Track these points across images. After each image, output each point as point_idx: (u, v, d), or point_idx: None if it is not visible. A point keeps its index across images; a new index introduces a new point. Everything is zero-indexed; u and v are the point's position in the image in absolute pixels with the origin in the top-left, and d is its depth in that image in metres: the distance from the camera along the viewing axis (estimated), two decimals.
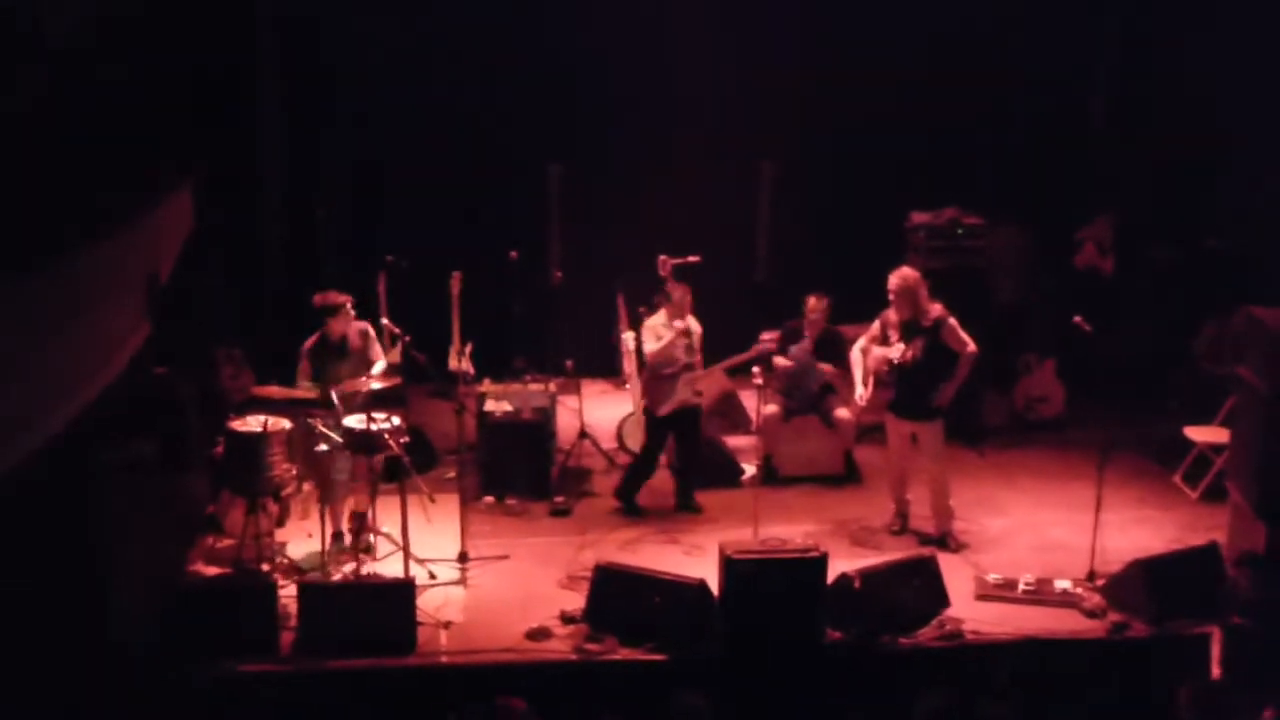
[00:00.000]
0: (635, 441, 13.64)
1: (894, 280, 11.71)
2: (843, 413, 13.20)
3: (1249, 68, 14.41)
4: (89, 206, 7.59)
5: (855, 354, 12.13)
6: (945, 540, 11.97)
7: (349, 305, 11.88)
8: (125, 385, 10.60)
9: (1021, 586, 11.06)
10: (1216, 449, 12.74)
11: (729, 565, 10.21)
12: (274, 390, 11.98)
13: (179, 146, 9.75)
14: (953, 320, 11.71)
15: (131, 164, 8.82)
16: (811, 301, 13.17)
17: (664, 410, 12.43)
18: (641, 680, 10.00)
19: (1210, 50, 14.98)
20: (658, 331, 12.49)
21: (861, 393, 11.98)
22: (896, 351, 11.65)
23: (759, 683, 9.90)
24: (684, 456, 12.78)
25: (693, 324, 12.53)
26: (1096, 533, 11.28)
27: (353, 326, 11.92)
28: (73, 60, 8.34)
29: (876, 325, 11.98)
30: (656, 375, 12.45)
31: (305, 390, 11.77)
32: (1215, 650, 9.92)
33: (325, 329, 11.79)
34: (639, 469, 12.83)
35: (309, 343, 11.91)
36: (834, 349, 13.23)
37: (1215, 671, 9.51)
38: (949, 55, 15.62)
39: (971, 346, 11.68)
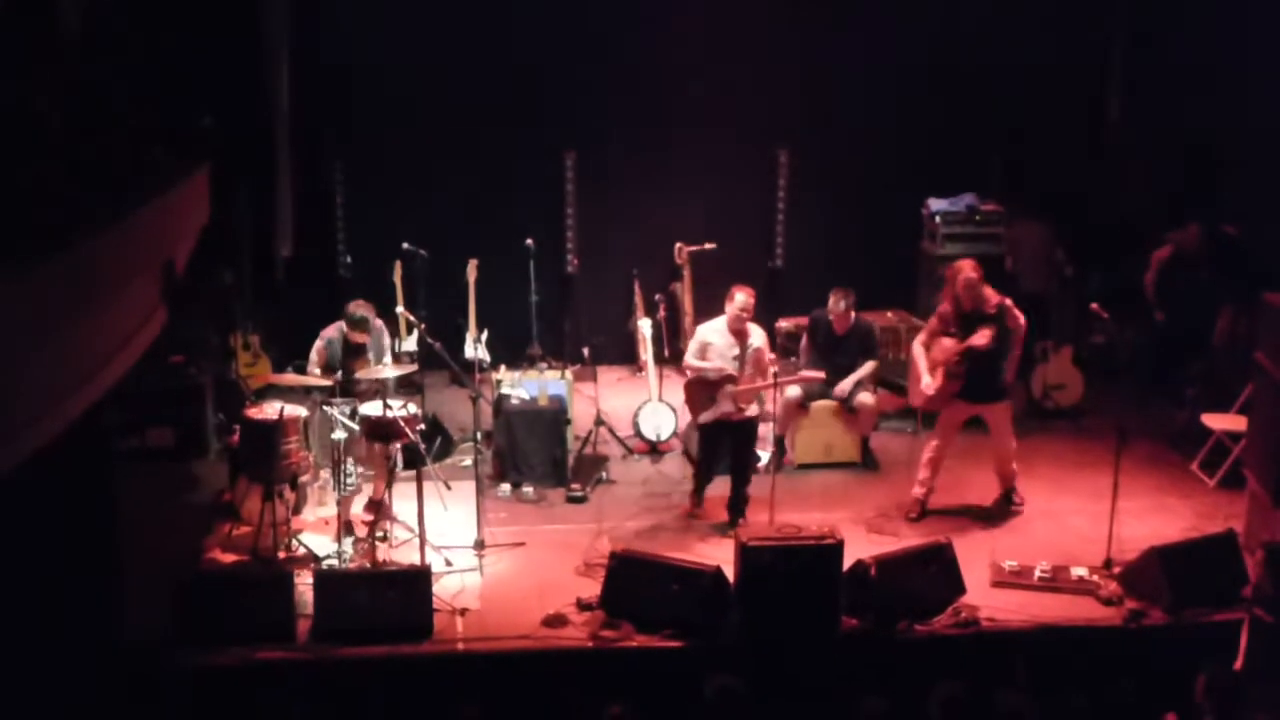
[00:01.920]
0: (651, 429, 13.64)
1: (961, 276, 11.91)
2: (866, 398, 13.19)
3: (1262, 54, 14.35)
4: (100, 196, 7.60)
5: (917, 349, 12.17)
6: (1011, 496, 12.44)
7: (375, 319, 12.06)
8: (142, 374, 10.62)
9: (1038, 574, 11.03)
10: (1234, 436, 12.70)
11: (745, 552, 10.20)
12: (290, 378, 12.06)
13: (192, 136, 9.75)
14: (1009, 300, 12.02)
15: (143, 153, 8.82)
16: (832, 301, 13.10)
17: (702, 419, 12.03)
18: (658, 667, 10.03)
19: (1224, 37, 14.95)
20: (705, 338, 11.98)
21: (929, 382, 11.97)
22: (984, 338, 11.72)
23: (775, 670, 9.89)
24: (734, 468, 12.24)
25: (754, 335, 11.93)
26: (1113, 520, 11.26)
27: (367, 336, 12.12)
28: (84, 49, 8.36)
29: (935, 321, 12.13)
30: (695, 381, 12.03)
31: (319, 378, 11.84)
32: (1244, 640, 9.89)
33: (347, 332, 11.97)
34: (697, 475, 12.43)
35: (328, 331, 12.06)
36: (867, 342, 13.24)
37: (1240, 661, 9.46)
38: (967, 43, 15.61)
39: (1023, 320, 12.01)
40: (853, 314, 13.14)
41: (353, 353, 12.10)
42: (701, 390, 11.97)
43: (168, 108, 9.52)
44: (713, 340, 11.92)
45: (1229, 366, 13.26)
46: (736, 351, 11.83)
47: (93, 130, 8.23)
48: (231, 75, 13.43)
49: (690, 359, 12.04)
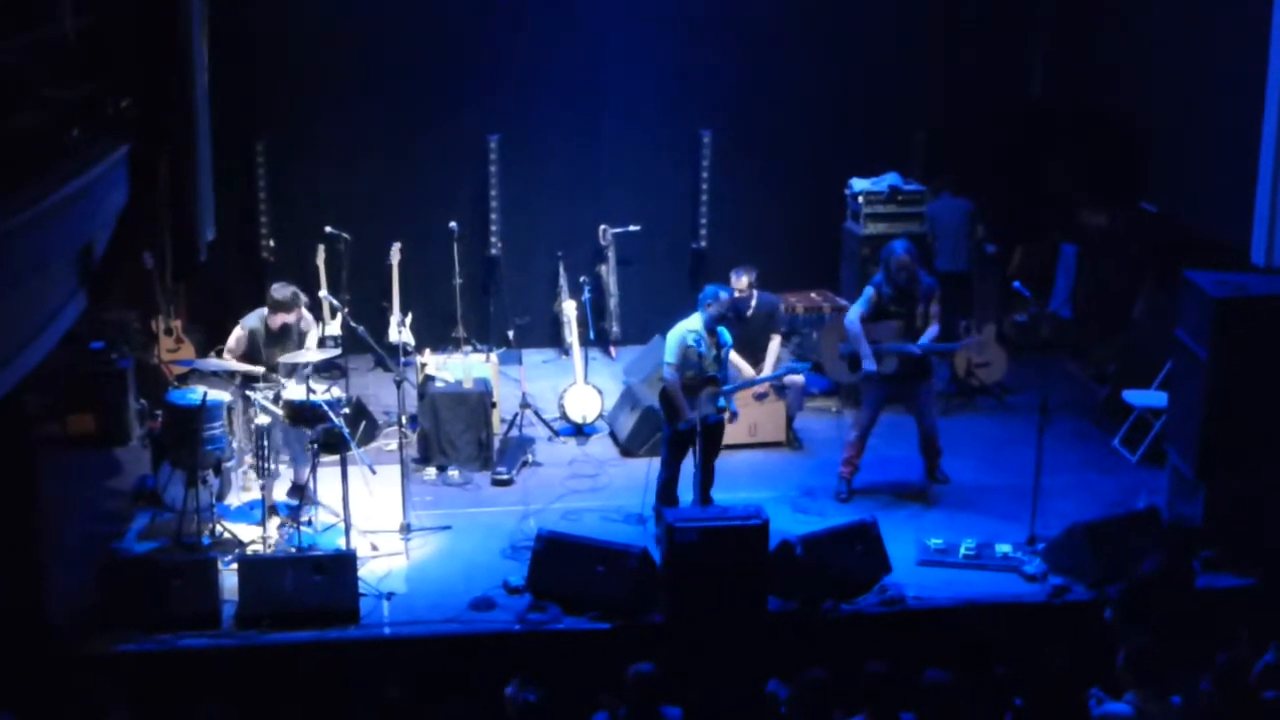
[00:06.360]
0: (577, 411, 13.61)
1: (907, 253, 11.90)
2: (794, 376, 13.14)
3: (1182, 35, 14.44)
4: (17, 177, 7.53)
5: (855, 327, 12.08)
6: (935, 473, 12.48)
7: (300, 301, 11.96)
8: (62, 360, 10.50)
9: (963, 551, 11.12)
10: (1155, 413, 12.81)
11: (671, 534, 10.20)
12: (213, 362, 11.94)
13: (111, 117, 9.65)
14: (934, 281, 12.26)
15: (62, 134, 8.73)
16: (735, 280, 12.92)
17: (682, 426, 11.34)
18: (585, 649, 10.03)
19: (1145, 18, 15.03)
20: (684, 339, 11.35)
21: (875, 367, 11.98)
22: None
23: (702, 650, 9.91)
24: (701, 468, 11.38)
25: (724, 332, 11.52)
26: (1037, 497, 11.35)
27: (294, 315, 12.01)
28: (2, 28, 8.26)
29: (874, 295, 12.04)
30: (677, 387, 11.34)
31: (240, 365, 11.75)
32: None
33: (269, 316, 11.84)
34: (662, 488, 11.64)
35: (249, 320, 11.93)
36: (774, 318, 13.17)
37: None
38: (889, 21, 15.67)
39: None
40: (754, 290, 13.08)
41: (275, 340, 11.95)
42: (683, 395, 11.28)
43: (86, 88, 9.41)
44: (689, 340, 11.36)
45: (1149, 343, 13.36)
46: (714, 353, 11.38)
47: (10, 111, 8.13)
48: (151, 54, 13.27)
49: (671, 355, 11.39)
